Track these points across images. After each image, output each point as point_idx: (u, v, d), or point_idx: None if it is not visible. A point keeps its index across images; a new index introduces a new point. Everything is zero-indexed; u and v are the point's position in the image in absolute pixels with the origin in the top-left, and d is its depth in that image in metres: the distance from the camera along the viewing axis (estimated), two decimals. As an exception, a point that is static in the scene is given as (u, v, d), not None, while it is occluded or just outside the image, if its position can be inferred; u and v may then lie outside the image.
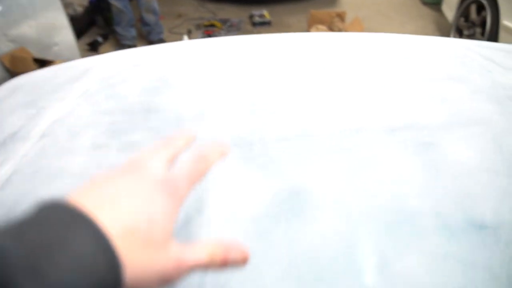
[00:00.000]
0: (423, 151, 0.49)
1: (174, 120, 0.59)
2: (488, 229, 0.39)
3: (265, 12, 3.24)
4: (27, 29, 2.27)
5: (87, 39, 2.93)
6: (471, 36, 2.51)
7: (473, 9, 2.56)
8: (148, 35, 2.85)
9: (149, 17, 2.74)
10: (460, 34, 2.66)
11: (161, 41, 2.80)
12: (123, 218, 0.21)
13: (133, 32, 2.81)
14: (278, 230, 0.41)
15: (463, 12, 2.64)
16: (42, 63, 2.23)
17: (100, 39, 2.92)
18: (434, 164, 0.47)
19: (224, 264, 0.24)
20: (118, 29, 2.76)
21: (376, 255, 0.38)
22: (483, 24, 2.39)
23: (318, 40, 0.85)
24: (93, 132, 0.58)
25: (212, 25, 3.14)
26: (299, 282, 0.37)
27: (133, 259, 0.20)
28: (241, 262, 0.25)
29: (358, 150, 0.50)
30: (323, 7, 3.34)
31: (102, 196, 0.21)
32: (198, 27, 3.17)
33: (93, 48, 2.85)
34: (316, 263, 0.38)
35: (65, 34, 2.45)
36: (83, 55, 2.60)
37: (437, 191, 0.43)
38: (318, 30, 2.73)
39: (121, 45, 2.73)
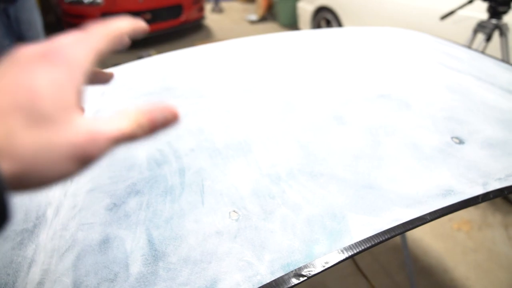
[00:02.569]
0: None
1: (189, 89, 0.81)
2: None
3: (153, 52, 3.48)
4: None
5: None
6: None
7: (323, 23, 3.29)
8: None
9: None
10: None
11: None
12: None
13: None
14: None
15: (316, 26, 3.35)
16: None
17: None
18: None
19: (154, 127, 0.23)
20: None
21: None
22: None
23: (312, 36, 1.14)
24: (136, 108, 0.76)
25: (103, 72, 3.23)
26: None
27: (20, 141, 0.18)
28: (171, 120, 0.24)
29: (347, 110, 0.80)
30: (207, 39, 3.75)
31: None
32: (89, 76, 3.21)
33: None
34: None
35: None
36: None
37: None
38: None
39: None
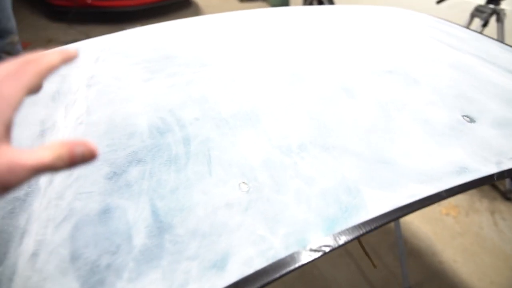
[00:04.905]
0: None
1: (191, 57, 0.77)
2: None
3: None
4: None
5: None
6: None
7: (315, 3, 3.21)
8: None
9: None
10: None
11: None
12: None
13: None
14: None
15: (311, 6, 3.30)
16: None
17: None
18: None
19: (72, 161, 0.24)
20: None
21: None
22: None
23: (312, 12, 1.09)
24: (133, 74, 0.72)
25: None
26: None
27: None
28: (89, 157, 0.25)
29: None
30: (195, 16, 3.64)
31: None
32: (75, 50, 3.10)
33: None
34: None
35: None
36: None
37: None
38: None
39: None
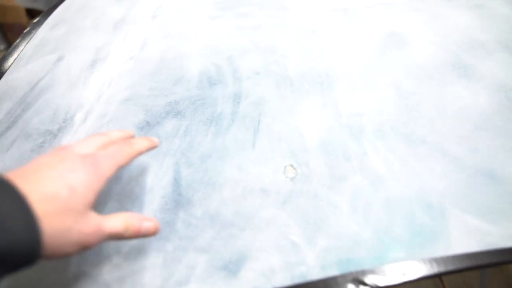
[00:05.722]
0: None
1: (271, 3, 0.64)
2: None
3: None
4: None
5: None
6: None
7: None
8: None
9: None
10: None
11: None
12: (44, 186, 0.23)
13: None
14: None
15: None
16: (32, 13, 2.15)
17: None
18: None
19: (138, 233, 0.28)
20: None
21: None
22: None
23: None
24: (201, 9, 0.62)
25: None
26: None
27: (53, 223, 0.22)
28: (152, 232, 0.29)
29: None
30: None
31: (26, 169, 0.24)
32: None
33: None
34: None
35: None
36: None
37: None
38: None
39: None
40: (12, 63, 0.56)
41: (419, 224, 0.33)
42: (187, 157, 0.39)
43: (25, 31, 0.64)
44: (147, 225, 0.28)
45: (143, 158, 0.39)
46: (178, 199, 0.36)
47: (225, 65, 0.49)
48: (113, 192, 0.37)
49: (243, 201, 0.35)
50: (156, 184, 0.37)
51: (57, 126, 0.45)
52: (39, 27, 0.65)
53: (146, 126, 0.43)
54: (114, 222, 0.27)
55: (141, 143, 0.32)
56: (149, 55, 0.53)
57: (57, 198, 0.23)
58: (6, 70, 0.55)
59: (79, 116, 0.46)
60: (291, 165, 0.38)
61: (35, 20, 0.67)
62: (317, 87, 0.46)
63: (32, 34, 0.63)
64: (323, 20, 0.58)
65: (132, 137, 0.34)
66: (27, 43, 0.61)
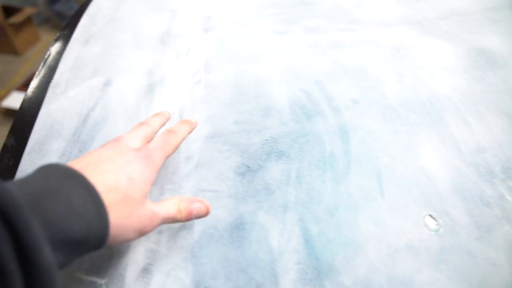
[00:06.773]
0: None
1: (335, 7, 0.59)
2: None
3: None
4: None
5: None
6: None
7: None
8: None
9: None
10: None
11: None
12: (107, 178, 0.25)
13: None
14: None
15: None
16: (9, 10, 1.98)
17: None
18: None
19: (190, 215, 0.29)
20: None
21: None
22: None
23: None
24: (260, 22, 0.56)
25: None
26: None
27: (116, 212, 0.24)
28: (204, 213, 0.30)
29: None
30: None
31: (88, 162, 0.26)
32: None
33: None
34: None
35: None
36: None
37: None
38: None
39: None
40: (48, 88, 0.48)
41: None
42: (312, 211, 0.33)
43: (51, 46, 0.56)
44: (198, 206, 0.29)
45: (259, 214, 0.33)
46: (318, 266, 0.30)
47: (316, 92, 0.44)
48: (234, 260, 0.31)
49: (393, 263, 0.30)
50: (285, 246, 0.31)
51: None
52: (67, 42, 0.56)
53: (248, 172, 0.36)
54: (167, 207, 0.28)
55: (183, 130, 0.33)
56: (219, 79, 0.46)
57: (118, 189, 0.25)
58: (43, 98, 0.47)
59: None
60: (430, 215, 0.34)
61: (58, 35, 0.58)
62: (426, 118, 0.41)
63: (62, 51, 0.54)
64: (402, 35, 0.53)
65: (168, 119, 0.36)
66: (58, 62, 0.52)
